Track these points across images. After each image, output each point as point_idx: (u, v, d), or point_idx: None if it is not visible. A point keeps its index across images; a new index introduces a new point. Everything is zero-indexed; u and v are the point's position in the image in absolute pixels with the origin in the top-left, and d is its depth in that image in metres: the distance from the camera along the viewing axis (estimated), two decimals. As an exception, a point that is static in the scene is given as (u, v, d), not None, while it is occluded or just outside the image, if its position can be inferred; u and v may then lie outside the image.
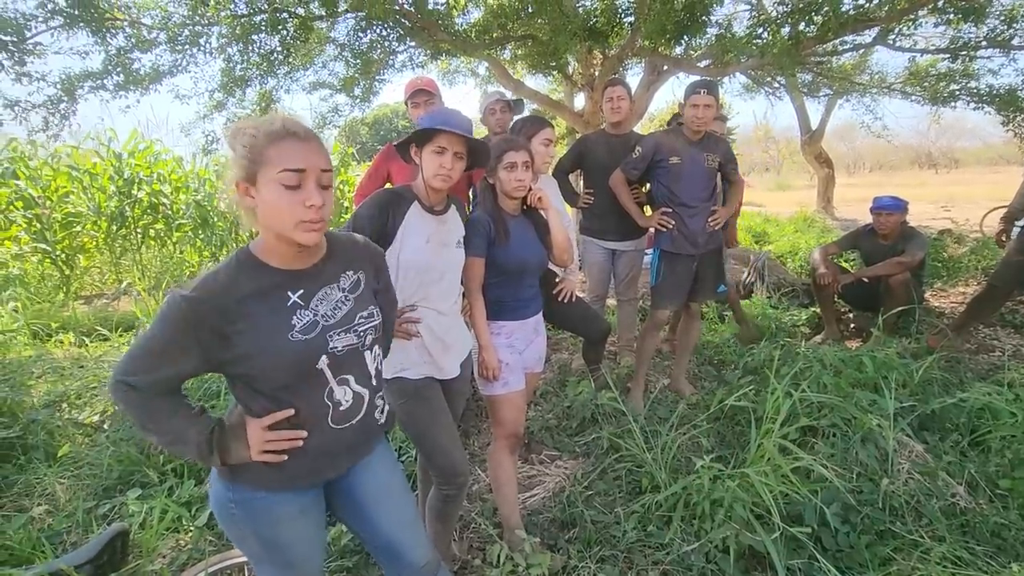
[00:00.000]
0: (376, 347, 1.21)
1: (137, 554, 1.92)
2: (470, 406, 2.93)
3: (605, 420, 2.75)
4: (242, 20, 5.24)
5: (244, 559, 1.53)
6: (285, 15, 5.30)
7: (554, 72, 7.25)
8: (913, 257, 3.53)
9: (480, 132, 3.18)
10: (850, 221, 10.85)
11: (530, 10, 5.85)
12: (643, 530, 1.95)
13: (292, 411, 1.07)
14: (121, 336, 4.25)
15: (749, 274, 4.84)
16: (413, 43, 6.19)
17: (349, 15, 5.66)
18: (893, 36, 5.99)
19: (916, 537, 1.79)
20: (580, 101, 8.03)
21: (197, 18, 5.31)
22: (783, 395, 2.16)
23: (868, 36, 6.26)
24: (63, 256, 6.19)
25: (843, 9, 4.85)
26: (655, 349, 3.26)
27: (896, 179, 27.79)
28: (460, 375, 1.75)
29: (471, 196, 2.89)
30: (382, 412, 1.24)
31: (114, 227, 6.57)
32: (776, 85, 10.40)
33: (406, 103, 2.80)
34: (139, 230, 6.83)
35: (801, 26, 5.13)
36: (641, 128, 11.13)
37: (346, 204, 8.12)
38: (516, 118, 2.81)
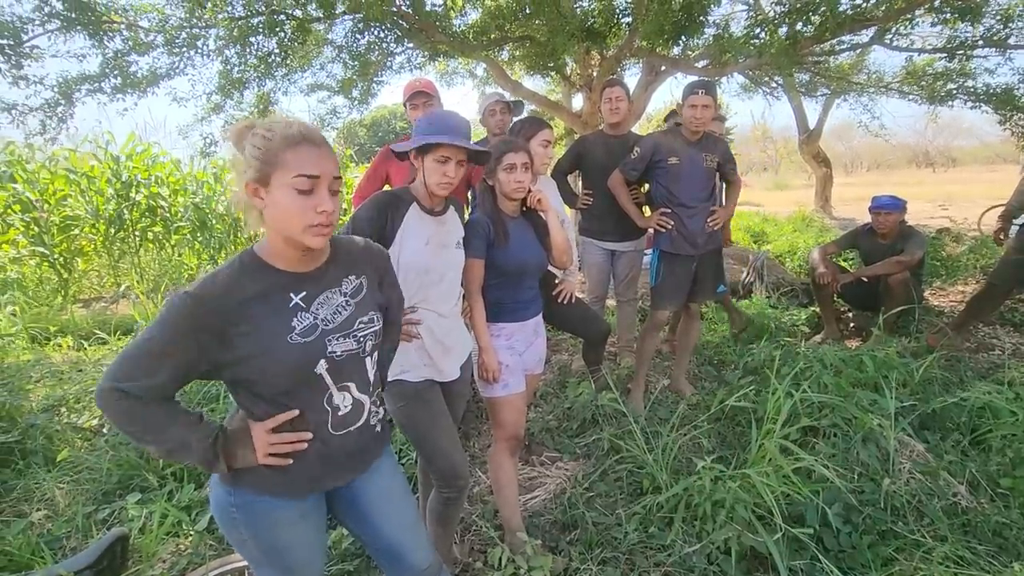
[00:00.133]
0: (376, 353, 1.21)
1: (137, 559, 1.91)
2: (470, 408, 2.93)
3: (605, 421, 2.75)
4: (239, 22, 5.23)
5: (244, 563, 1.52)
6: (283, 17, 5.29)
7: (552, 73, 7.25)
8: (912, 256, 3.53)
9: (479, 133, 3.18)
10: (848, 220, 10.87)
11: (528, 11, 5.86)
12: (644, 531, 1.95)
13: (296, 412, 1.07)
14: (120, 340, 4.24)
15: (748, 274, 4.85)
16: (411, 45, 6.19)
17: (347, 17, 5.66)
18: (890, 36, 6.01)
19: (918, 537, 1.78)
20: (578, 102, 8.04)
21: (194, 20, 5.30)
22: (784, 395, 2.16)
23: (865, 36, 6.28)
24: (61, 259, 6.18)
25: (840, 9, 4.87)
26: (655, 350, 3.26)
27: (893, 178, 27.86)
28: (460, 377, 1.74)
29: (470, 197, 2.89)
30: (379, 420, 1.23)
31: (112, 230, 6.55)
32: (774, 85, 10.41)
33: (405, 105, 2.80)
34: (137, 233, 6.82)
35: (798, 26, 5.14)
36: (639, 128, 11.14)
37: (345, 206, 8.12)
38: (515, 119, 2.81)
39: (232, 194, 1.06)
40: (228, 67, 5.68)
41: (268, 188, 1.00)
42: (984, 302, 3.55)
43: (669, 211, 2.80)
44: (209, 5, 5.11)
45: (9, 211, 5.97)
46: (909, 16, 5.29)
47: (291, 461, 1.08)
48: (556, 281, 2.57)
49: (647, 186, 3.14)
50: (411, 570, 1.28)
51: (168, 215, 7.01)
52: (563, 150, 4.04)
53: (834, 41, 6.40)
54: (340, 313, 1.12)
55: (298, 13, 5.40)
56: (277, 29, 5.31)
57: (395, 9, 5.33)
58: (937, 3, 4.95)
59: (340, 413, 1.13)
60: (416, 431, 1.63)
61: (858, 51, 8.00)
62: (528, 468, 2.49)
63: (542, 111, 7.36)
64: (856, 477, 2.06)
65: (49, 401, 3.06)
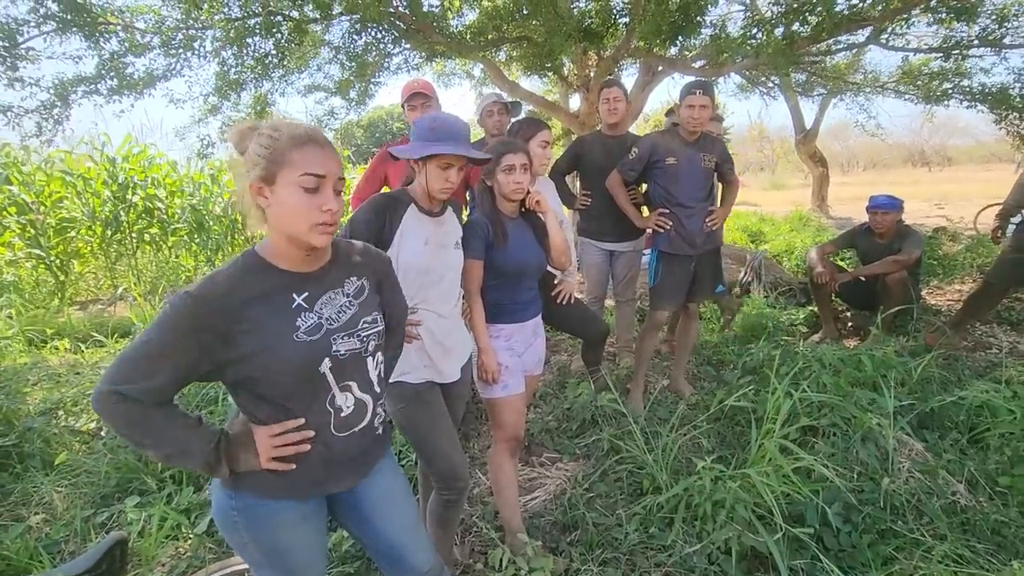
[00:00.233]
0: (379, 354, 1.21)
1: (136, 563, 1.90)
2: (470, 409, 2.92)
3: (605, 422, 2.75)
4: (236, 23, 5.22)
5: (245, 566, 1.52)
6: (279, 18, 5.28)
7: (549, 73, 7.27)
8: (909, 255, 3.54)
9: (476, 133, 3.18)
10: (845, 219, 10.91)
11: (525, 12, 5.87)
12: (645, 532, 1.95)
13: (302, 420, 1.07)
14: (117, 342, 4.22)
15: (746, 273, 4.85)
16: (408, 45, 6.19)
17: (344, 18, 5.65)
18: (886, 36, 6.04)
19: (917, 536, 1.79)
20: (575, 102, 8.05)
21: (191, 22, 5.29)
22: (783, 395, 2.16)
23: (862, 36, 6.31)
24: (58, 262, 6.15)
25: (837, 9, 4.89)
26: (654, 350, 3.26)
27: (890, 177, 27.99)
28: (460, 379, 1.74)
29: (468, 198, 2.89)
30: (381, 422, 1.23)
31: (109, 232, 6.52)
32: (771, 85, 10.46)
33: (403, 106, 2.79)
34: (134, 235, 6.79)
35: (795, 26, 5.17)
36: (636, 128, 11.15)
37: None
38: (513, 120, 2.81)
39: (232, 195, 1.07)
40: (225, 68, 5.67)
41: (273, 187, 1.01)
42: (981, 301, 3.56)
43: (667, 211, 2.80)
44: (205, 6, 5.09)
45: (5, 213, 5.93)
46: (905, 16, 5.31)
47: (294, 466, 1.08)
48: (555, 282, 2.57)
49: (645, 186, 3.14)
50: (412, 572, 1.28)
51: (165, 217, 6.98)
52: (561, 151, 4.04)
53: (830, 41, 6.43)
54: (344, 312, 1.12)
55: (295, 14, 5.38)
56: (274, 30, 5.30)
57: (392, 10, 5.33)
58: (933, 3, 4.97)
59: (343, 414, 1.13)
60: (416, 433, 1.63)
61: (854, 51, 8.04)
62: (528, 469, 2.49)
63: (540, 112, 7.37)
64: (855, 476, 2.06)
65: (46, 404, 3.05)
